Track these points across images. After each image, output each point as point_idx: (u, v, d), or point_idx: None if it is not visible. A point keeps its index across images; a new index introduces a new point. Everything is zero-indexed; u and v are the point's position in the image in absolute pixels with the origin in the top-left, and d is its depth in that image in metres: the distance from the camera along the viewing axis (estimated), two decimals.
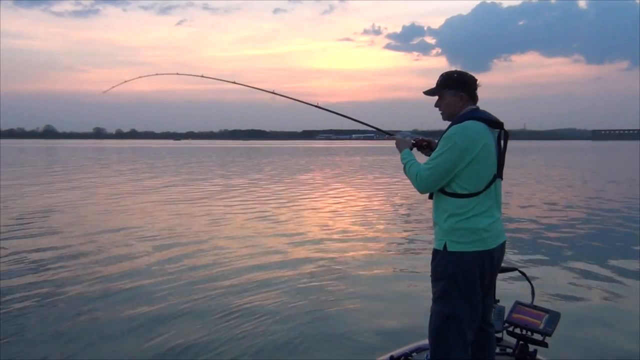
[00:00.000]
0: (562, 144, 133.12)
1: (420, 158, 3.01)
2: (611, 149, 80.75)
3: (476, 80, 2.94)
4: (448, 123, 2.93)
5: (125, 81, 5.35)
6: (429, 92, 3.02)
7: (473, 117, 2.82)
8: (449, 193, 2.78)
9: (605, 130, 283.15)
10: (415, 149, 3.19)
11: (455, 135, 2.75)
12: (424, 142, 3.21)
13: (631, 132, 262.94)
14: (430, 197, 2.94)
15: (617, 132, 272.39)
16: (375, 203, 15.00)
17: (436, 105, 3.01)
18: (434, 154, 2.82)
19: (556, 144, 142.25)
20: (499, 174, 2.84)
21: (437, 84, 2.98)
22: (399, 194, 17.03)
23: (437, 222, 2.85)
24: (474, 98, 2.93)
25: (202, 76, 4.80)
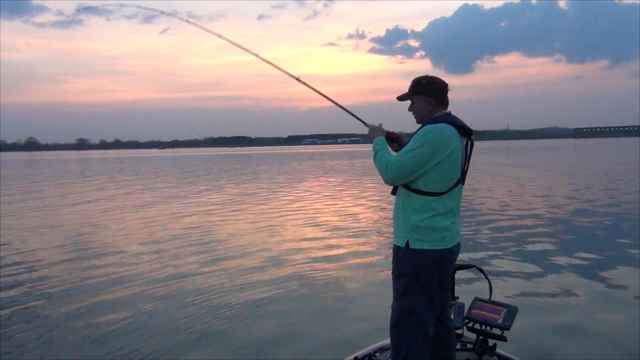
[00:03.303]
0: (544, 143, 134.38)
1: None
2: (592, 146, 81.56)
3: (446, 85, 3.02)
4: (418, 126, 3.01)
5: None
6: (402, 98, 3.10)
7: (446, 120, 2.89)
8: (414, 190, 2.84)
9: (586, 128, 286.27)
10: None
11: (429, 134, 2.82)
12: (395, 135, 3.25)
13: (612, 129, 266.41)
14: (394, 192, 3.00)
15: (598, 129, 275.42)
16: (345, 205, 15.08)
17: (409, 109, 3.10)
18: (405, 149, 2.87)
19: (539, 142, 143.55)
20: (461, 180, 2.94)
21: (409, 89, 3.06)
22: (369, 196, 17.17)
23: (399, 218, 2.91)
24: (443, 102, 3.01)
25: (162, 12, 4.71)
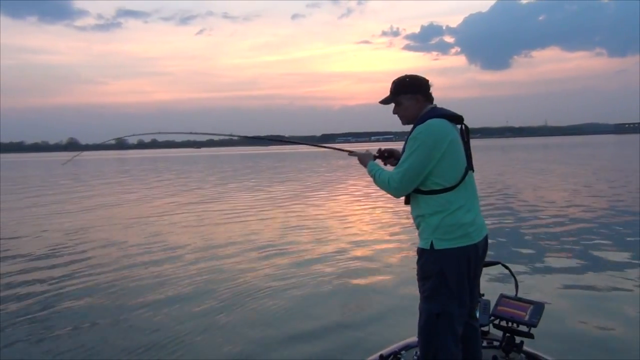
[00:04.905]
0: (583, 139, 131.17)
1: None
2: (634, 142, 79.04)
3: (428, 81, 2.98)
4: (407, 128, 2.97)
5: None
6: (385, 101, 3.03)
7: (434, 115, 2.84)
8: (426, 191, 2.79)
9: (628, 124, 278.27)
10: (380, 162, 3.21)
11: (421, 134, 2.76)
12: (386, 152, 3.24)
13: None
14: (407, 202, 2.96)
15: None
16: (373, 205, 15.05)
17: (394, 112, 3.02)
18: (403, 157, 2.84)
19: (577, 139, 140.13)
20: (469, 166, 2.87)
21: (390, 91, 2.99)
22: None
23: (419, 222, 2.86)
24: (429, 98, 2.97)
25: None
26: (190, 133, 4.48)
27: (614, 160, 35.77)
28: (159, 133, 4.69)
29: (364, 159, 3.16)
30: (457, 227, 2.73)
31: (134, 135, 4.86)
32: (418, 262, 2.87)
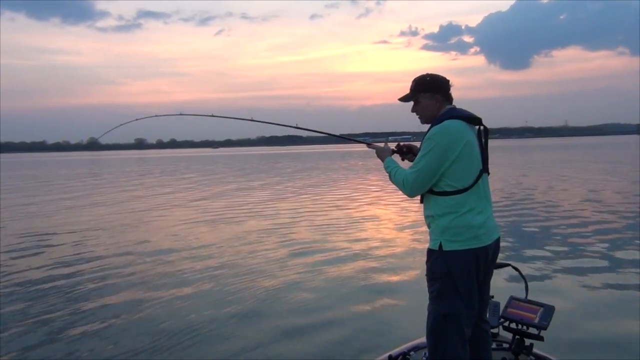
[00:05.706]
0: (604, 140, 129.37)
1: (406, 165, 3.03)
2: None
3: (448, 81, 2.97)
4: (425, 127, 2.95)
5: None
6: (404, 99, 3.03)
7: (451, 116, 2.83)
8: (438, 192, 2.78)
9: None
10: (399, 157, 3.20)
11: (436, 136, 2.76)
12: (404, 147, 3.23)
13: None
14: (421, 201, 2.95)
15: None
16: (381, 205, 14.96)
17: (413, 110, 3.03)
18: (417, 157, 2.84)
19: (598, 139, 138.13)
20: (484, 169, 2.85)
21: (410, 89, 3.00)
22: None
23: (430, 222, 2.86)
24: (449, 98, 2.96)
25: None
26: (212, 116, 4.58)
27: (633, 160, 35.27)
28: (180, 115, 4.71)
29: (381, 154, 3.15)
30: (466, 229, 2.72)
31: (155, 115, 5.02)
32: (427, 262, 2.86)
